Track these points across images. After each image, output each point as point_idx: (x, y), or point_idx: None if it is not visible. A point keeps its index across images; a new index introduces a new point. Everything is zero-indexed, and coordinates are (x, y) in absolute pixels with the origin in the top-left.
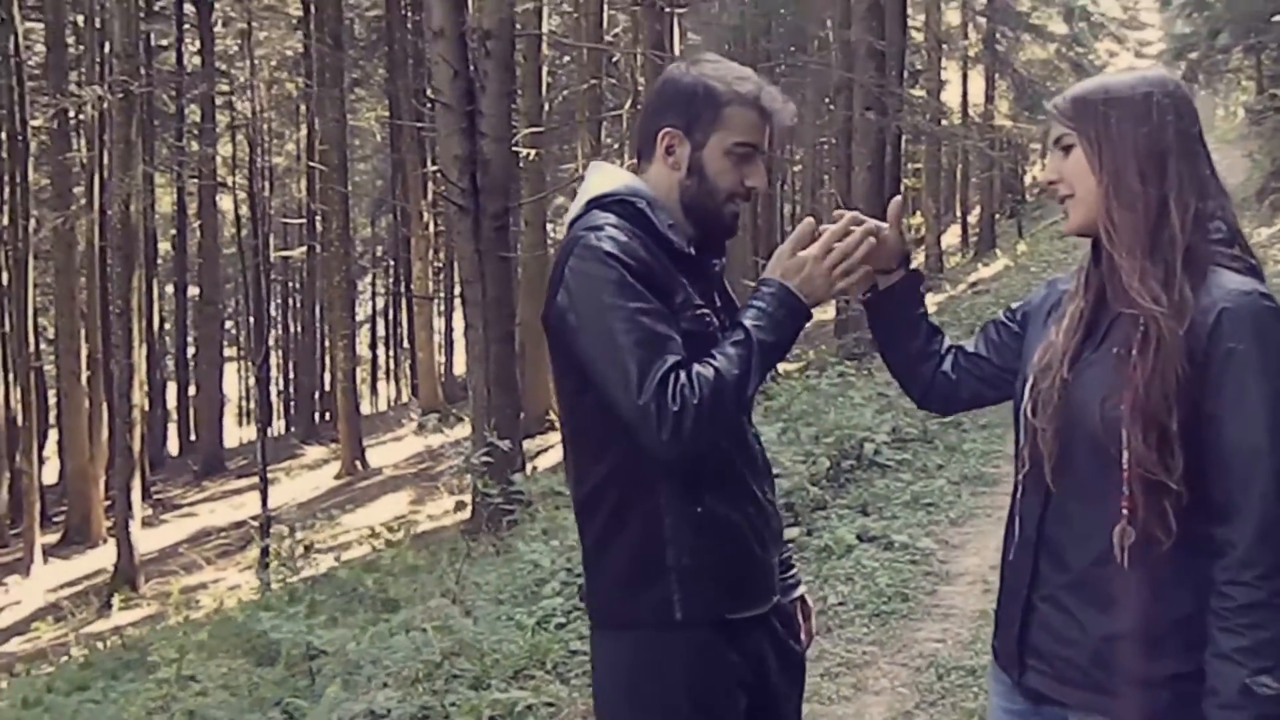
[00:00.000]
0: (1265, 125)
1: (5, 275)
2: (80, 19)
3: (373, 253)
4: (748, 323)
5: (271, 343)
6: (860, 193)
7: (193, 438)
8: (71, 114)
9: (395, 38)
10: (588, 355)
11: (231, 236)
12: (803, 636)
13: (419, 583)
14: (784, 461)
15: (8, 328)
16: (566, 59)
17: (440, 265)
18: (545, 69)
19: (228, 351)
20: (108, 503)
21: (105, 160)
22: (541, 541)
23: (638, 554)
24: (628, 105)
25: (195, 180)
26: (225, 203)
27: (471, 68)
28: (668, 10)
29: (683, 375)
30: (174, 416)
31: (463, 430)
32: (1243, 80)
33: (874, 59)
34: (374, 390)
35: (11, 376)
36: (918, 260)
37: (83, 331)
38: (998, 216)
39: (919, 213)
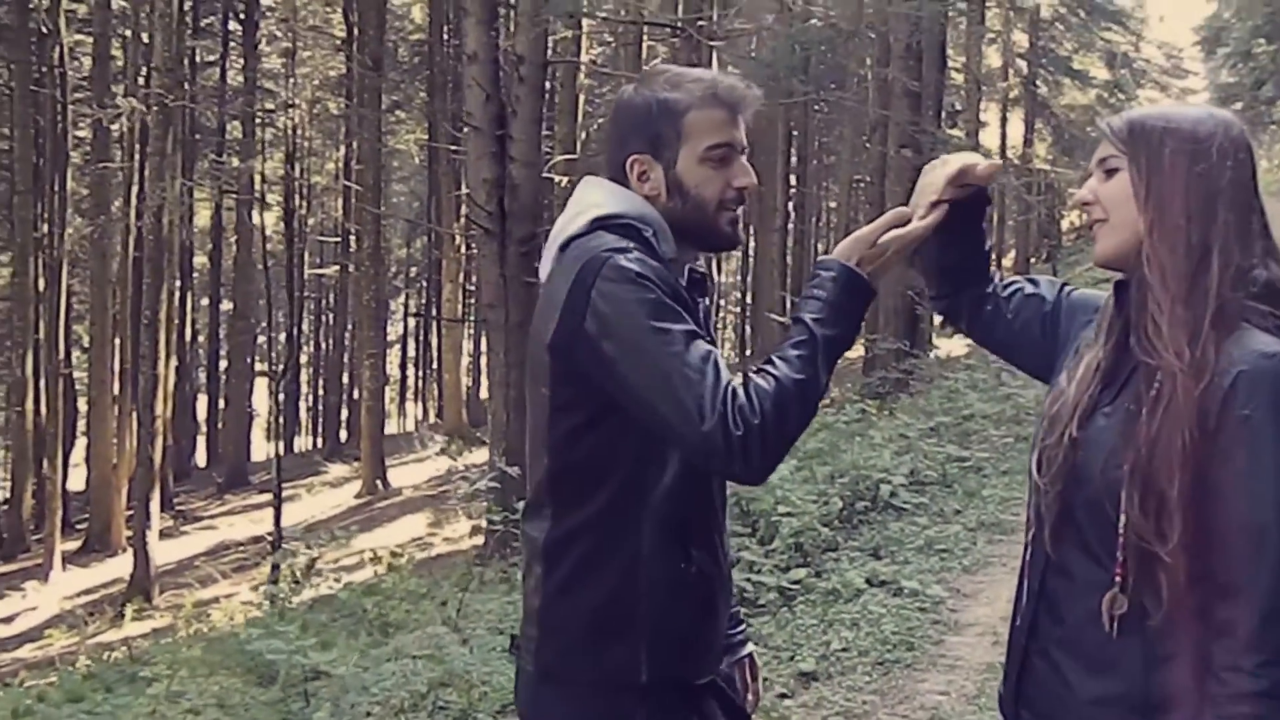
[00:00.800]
0: None
1: (41, 282)
2: (128, 33)
3: (406, 273)
4: (808, 317)
5: (303, 359)
6: None
7: (220, 451)
8: (115, 126)
9: (435, 61)
10: (627, 388)
11: (267, 252)
12: (749, 697)
13: (420, 608)
14: (794, 500)
15: (41, 334)
16: (605, 88)
17: (472, 288)
18: (583, 97)
19: (259, 366)
20: (129, 512)
21: (143, 172)
22: None
23: (606, 606)
24: None
25: (234, 195)
26: (265, 218)
27: (504, 92)
28: (706, 43)
29: (740, 395)
30: (203, 429)
31: (482, 454)
32: None
33: (909, 98)
34: (402, 410)
35: (43, 383)
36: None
37: (114, 341)
38: (1033, 260)
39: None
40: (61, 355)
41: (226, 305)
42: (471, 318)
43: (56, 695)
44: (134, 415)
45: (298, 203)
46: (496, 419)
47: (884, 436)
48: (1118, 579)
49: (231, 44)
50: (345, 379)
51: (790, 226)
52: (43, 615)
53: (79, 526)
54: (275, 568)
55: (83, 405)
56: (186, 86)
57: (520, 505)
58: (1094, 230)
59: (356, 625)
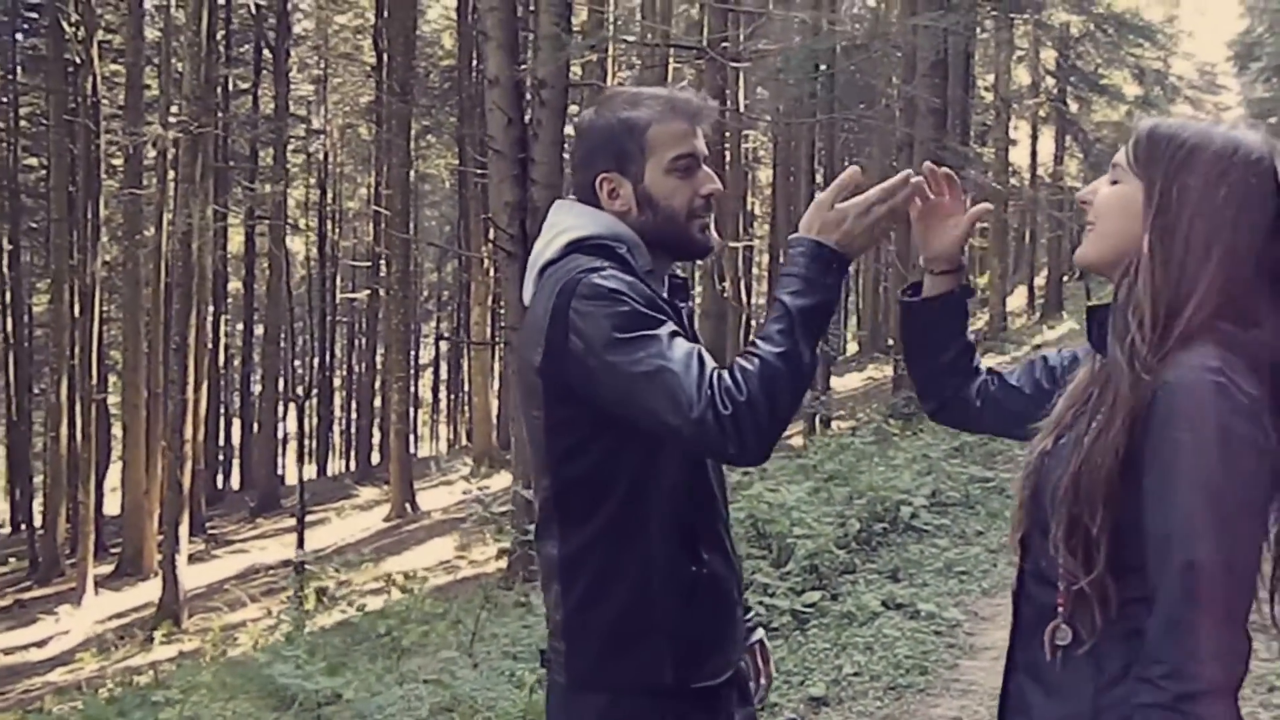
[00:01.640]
0: None
1: (75, 308)
2: (160, 62)
3: (438, 297)
4: (783, 294)
5: (336, 383)
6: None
7: (252, 474)
8: (149, 153)
9: (464, 86)
10: (618, 396)
11: (301, 278)
12: (762, 680)
13: (437, 632)
14: (810, 522)
15: (75, 360)
16: None
17: (502, 311)
18: None
19: (294, 389)
20: (161, 536)
21: (174, 199)
22: None
23: (627, 614)
24: None
25: (266, 221)
26: (295, 244)
27: (526, 116)
28: (730, 64)
29: (725, 377)
30: (236, 453)
31: (509, 477)
32: None
33: (934, 116)
34: (434, 433)
35: (77, 408)
36: (981, 320)
37: (147, 366)
38: (1065, 279)
39: (986, 273)
40: (95, 381)
41: (259, 330)
42: (500, 340)
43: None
44: (163, 440)
45: (329, 228)
46: (519, 441)
47: (906, 457)
48: (1060, 608)
49: (264, 71)
50: (377, 402)
51: None
52: (75, 639)
53: (112, 550)
54: (297, 592)
55: (117, 430)
56: (219, 114)
57: (532, 527)
58: (1084, 230)
59: (373, 649)
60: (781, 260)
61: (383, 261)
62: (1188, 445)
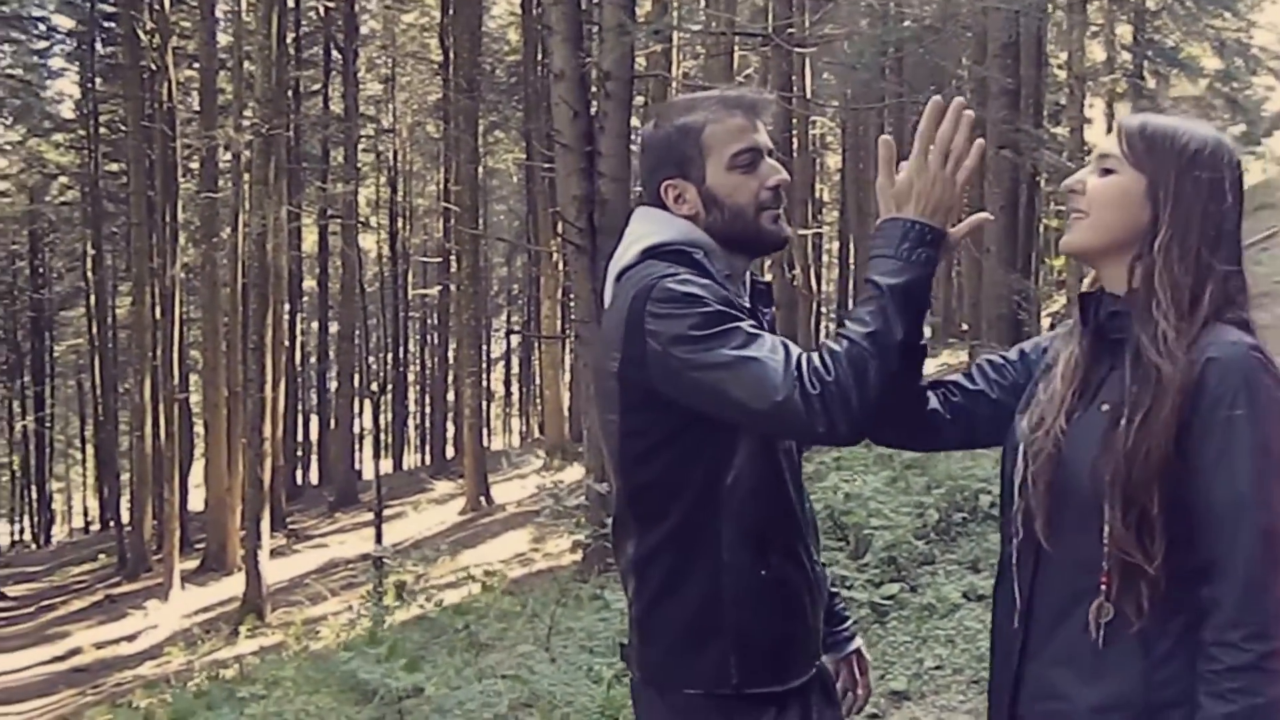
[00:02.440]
0: None
1: (157, 310)
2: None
3: (508, 291)
4: (873, 275)
5: (410, 378)
6: (994, 234)
7: (331, 470)
8: (225, 156)
9: (530, 81)
10: (703, 391)
11: (374, 275)
12: (859, 690)
13: (513, 627)
14: (888, 513)
15: (157, 360)
16: None
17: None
18: None
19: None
20: (244, 532)
21: (248, 200)
22: None
23: (695, 615)
24: None
25: (338, 220)
26: (367, 242)
27: (592, 109)
28: (796, 51)
29: (814, 359)
30: (315, 449)
31: (581, 470)
32: None
33: (1006, 96)
34: (507, 427)
35: (161, 407)
36: (1058, 302)
37: (226, 365)
38: None
39: (1060, 255)
40: (176, 380)
41: (334, 327)
42: (570, 334)
43: (164, 714)
44: (244, 438)
45: (400, 225)
46: (591, 435)
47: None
48: (1104, 586)
49: (333, 72)
50: (450, 397)
51: None
52: (162, 633)
53: (197, 546)
54: (376, 587)
55: (200, 428)
56: (291, 115)
57: (609, 521)
58: (1069, 219)
59: (451, 644)
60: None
61: (453, 257)
62: (1244, 417)
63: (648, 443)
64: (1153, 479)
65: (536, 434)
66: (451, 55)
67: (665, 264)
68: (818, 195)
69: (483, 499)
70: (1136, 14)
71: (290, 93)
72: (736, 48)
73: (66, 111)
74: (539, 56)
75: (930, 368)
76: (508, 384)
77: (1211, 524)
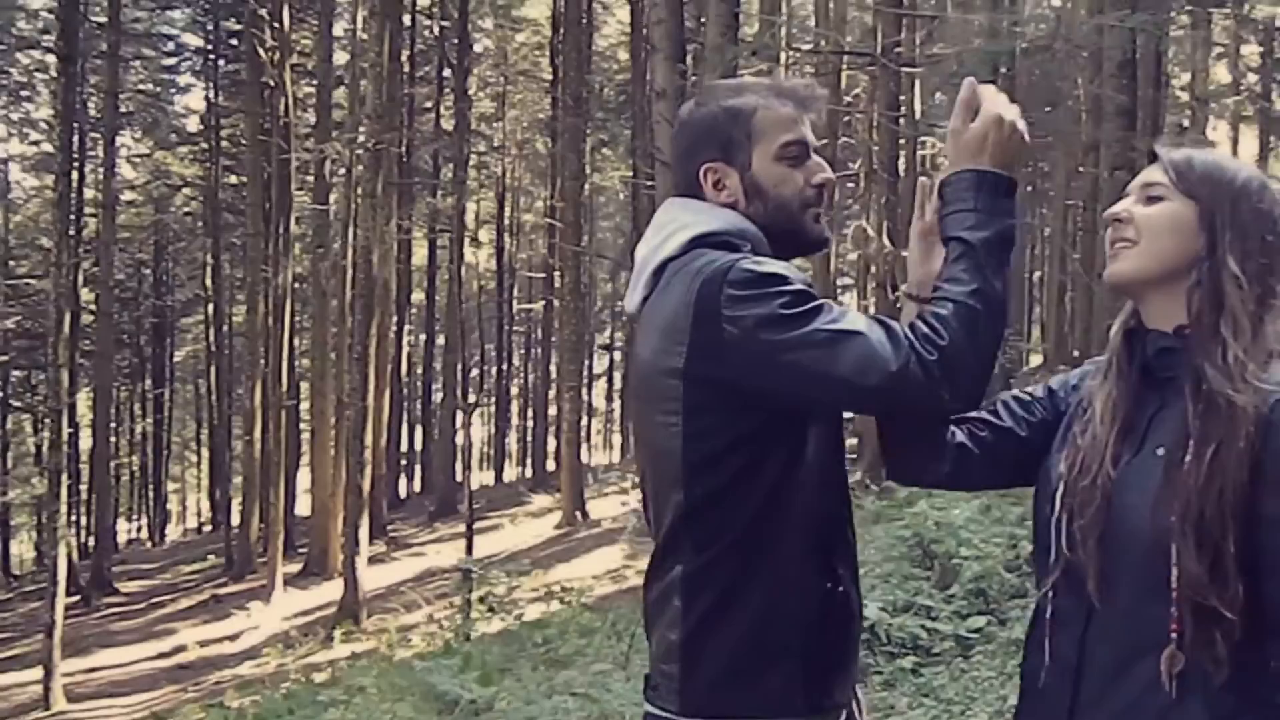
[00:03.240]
0: None
1: (270, 319)
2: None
3: (611, 308)
4: (958, 231)
5: (514, 391)
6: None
7: (432, 480)
8: (338, 171)
9: (637, 100)
10: (798, 376)
11: (481, 289)
12: (864, 717)
13: (593, 643)
14: (978, 543)
15: (268, 366)
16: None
17: None
18: None
19: (471, 397)
20: (344, 538)
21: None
22: None
23: (754, 635)
24: (857, 165)
25: (447, 234)
26: (475, 256)
27: None
28: (903, 70)
29: (920, 325)
30: (418, 458)
31: None
32: None
33: (1123, 117)
34: (607, 442)
35: (271, 413)
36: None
37: (332, 374)
38: None
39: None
40: (284, 387)
41: (441, 340)
42: None
43: (253, 714)
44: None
45: (507, 240)
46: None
47: None
48: (1174, 634)
49: (446, 89)
50: (552, 411)
51: None
52: (263, 634)
53: (301, 550)
54: (465, 598)
55: (308, 435)
56: (404, 130)
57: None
58: (1114, 248)
59: (533, 659)
60: (940, 199)
61: (556, 273)
62: None
63: (714, 447)
64: (1227, 516)
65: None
66: (560, 73)
67: (720, 252)
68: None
69: (578, 514)
70: (1265, 33)
71: (404, 109)
72: (845, 67)
73: (192, 126)
74: (646, 76)
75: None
76: (609, 399)
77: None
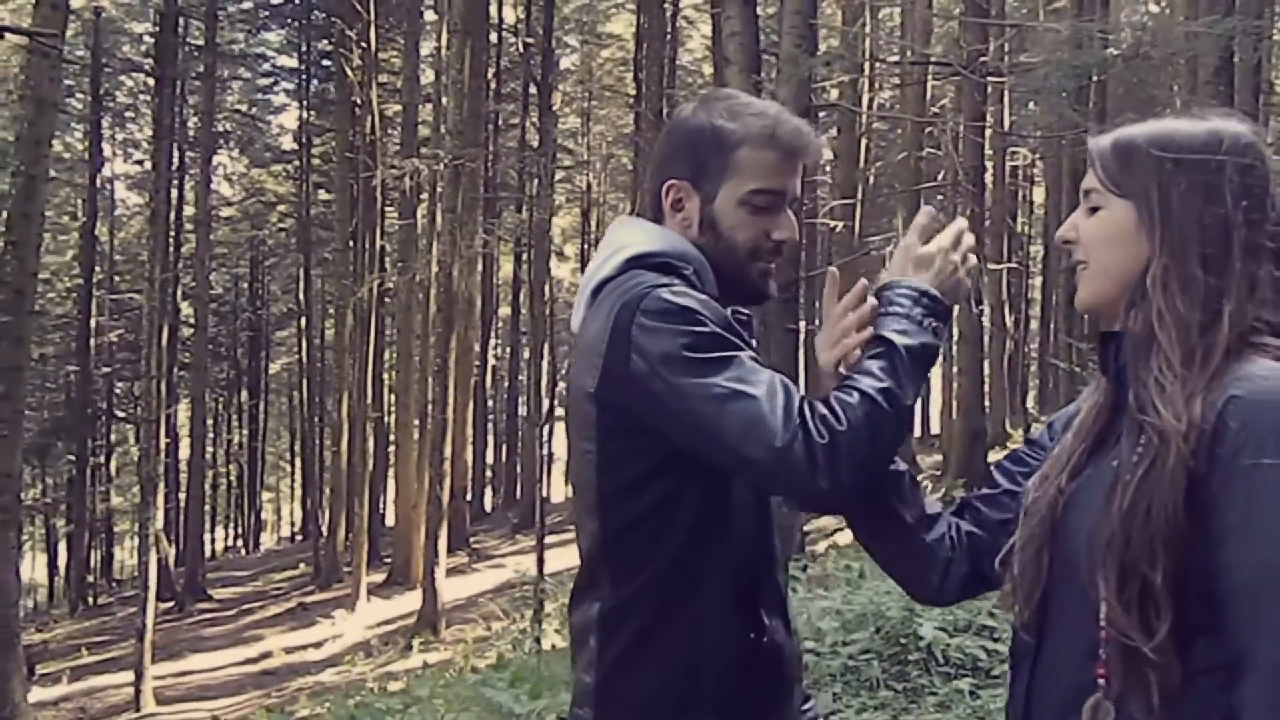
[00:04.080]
0: None
1: (357, 333)
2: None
3: None
4: (885, 331)
5: None
6: None
7: (517, 492)
8: (424, 188)
9: None
10: (687, 425)
11: (565, 304)
12: None
13: None
14: None
15: (356, 380)
16: (896, 131)
17: None
18: (867, 141)
19: (552, 410)
20: (425, 549)
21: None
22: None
23: (669, 682)
24: (940, 177)
25: (532, 248)
26: (561, 270)
27: None
28: (990, 80)
29: (820, 406)
30: (504, 471)
31: None
32: None
33: None
34: None
35: (358, 425)
36: None
37: (416, 387)
38: None
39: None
40: (370, 400)
41: (527, 354)
42: None
43: None
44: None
45: (591, 254)
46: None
47: None
48: (1101, 680)
49: (531, 105)
50: None
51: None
52: (346, 642)
53: (385, 560)
54: (537, 612)
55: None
56: (489, 146)
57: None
58: (1076, 273)
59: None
60: (877, 301)
61: None
62: (1276, 466)
63: (629, 475)
64: (1154, 543)
65: None
66: (643, 88)
67: (654, 275)
68: (1020, 229)
69: None
70: None
71: (489, 125)
72: (930, 77)
73: (286, 144)
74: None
75: None
76: None
77: (1235, 604)
